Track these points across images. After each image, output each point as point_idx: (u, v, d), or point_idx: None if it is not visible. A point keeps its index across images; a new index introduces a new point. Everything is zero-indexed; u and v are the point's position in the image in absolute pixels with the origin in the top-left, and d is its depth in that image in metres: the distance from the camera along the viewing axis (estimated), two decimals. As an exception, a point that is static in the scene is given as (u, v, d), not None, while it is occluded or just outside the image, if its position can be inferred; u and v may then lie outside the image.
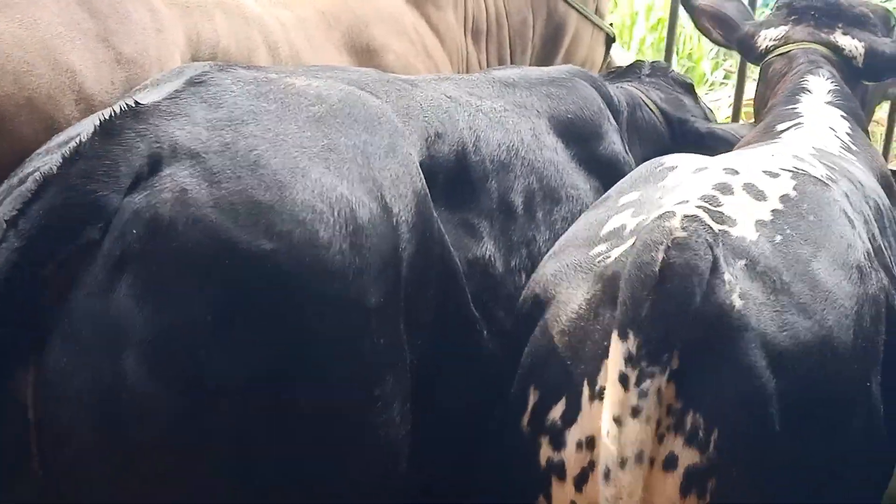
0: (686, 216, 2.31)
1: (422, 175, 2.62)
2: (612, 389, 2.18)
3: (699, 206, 2.43)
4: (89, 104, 2.82)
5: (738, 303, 2.26)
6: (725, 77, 9.89)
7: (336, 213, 2.29)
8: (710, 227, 2.34)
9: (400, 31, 4.07)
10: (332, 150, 2.41)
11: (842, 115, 3.66)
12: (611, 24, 5.10)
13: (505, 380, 2.54)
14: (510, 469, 2.46)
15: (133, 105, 2.29)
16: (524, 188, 3.05)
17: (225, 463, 2.20)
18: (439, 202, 2.74)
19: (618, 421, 2.17)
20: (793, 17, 4.08)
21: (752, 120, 4.40)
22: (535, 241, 3.00)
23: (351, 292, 2.28)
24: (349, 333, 2.29)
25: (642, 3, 10.29)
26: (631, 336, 2.17)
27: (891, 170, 3.94)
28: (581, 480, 2.29)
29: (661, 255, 2.20)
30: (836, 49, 3.96)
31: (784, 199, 2.56)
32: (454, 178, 2.85)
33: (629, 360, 2.16)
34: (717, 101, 8.93)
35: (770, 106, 3.88)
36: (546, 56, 4.75)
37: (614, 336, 2.20)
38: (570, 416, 2.32)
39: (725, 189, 2.54)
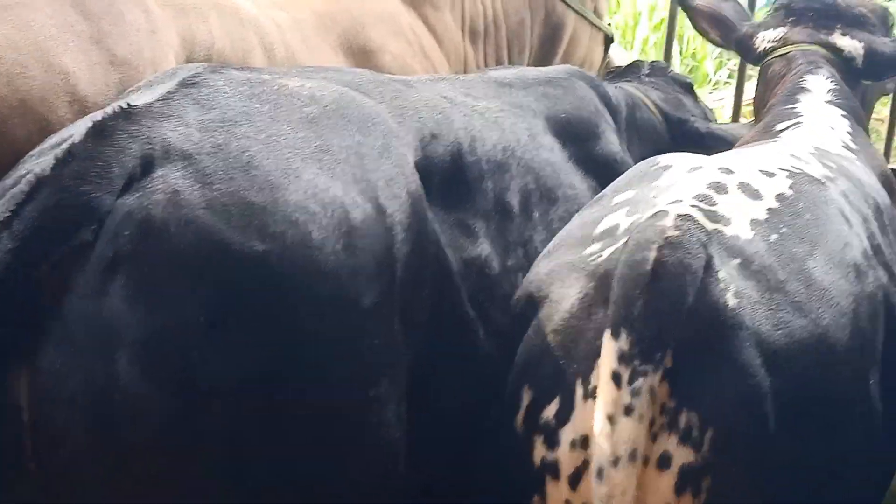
0: (679, 215, 2.31)
1: (416, 176, 2.62)
2: (605, 388, 2.17)
3: (693, 206, 2.42)
4: (83, 106, 2.82)
5: (732, 301, 2.26)
6: (729, 76, 9.88)
7: (329, 214, 2.29)
8: (704, 226, 2.34)
9: (397, 32, 4.07)
10: (325, 151, 2.41)
11: (842, 115, 3.65)
12: (609, 24, 5.09)
13: (501, 380, 2.54)
14: (505, 469, 2.45)
15: (125, 106, 2.29)
16: (520, 188, 3.05)
17: (218, 464, 2.19)
18: (435, 203, 2.74)
19: (611, 419, 2.16)
20: (791, 19, 4.07)
21: (752, 120, 4.39)
22: (531, 241, 3.00)
23: (344, 293, 2.28)
24: (343, 335, 2.29)
25: (645, 3, 10.29)
26: (623, 335, 2.17)
27: (892, 168, 3.93)
28: (575, 479, 2.28)
29: (653, 254, 2.20)
30: (835, 50, 3.95)
31: (780, 197, 2.56)
32: (450, 178, 2.84)
33: (622, 358, 2.16)
34: (721, 100, 8.92)
35: (769, 106, 3.87)
36: (544, 56, 4.74)
37: (607, 335, 2.19)
38: (564, 416, 2.31)
39: (720, 188, 2.53)
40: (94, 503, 2.17)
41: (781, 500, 2.26)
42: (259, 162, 2.28)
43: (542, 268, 2.58)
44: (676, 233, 2.24)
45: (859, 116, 3.80)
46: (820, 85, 3.81)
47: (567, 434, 2.30)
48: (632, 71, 4.59)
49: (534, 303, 2.50)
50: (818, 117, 3.60)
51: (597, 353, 2.23)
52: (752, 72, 4.68)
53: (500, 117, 3.15)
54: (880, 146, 5.48)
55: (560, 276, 2.47)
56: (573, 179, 3.26)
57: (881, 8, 4.12)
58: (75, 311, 2.12)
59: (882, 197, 3.10)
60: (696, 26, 4.40)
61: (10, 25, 2.78)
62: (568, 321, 2.38)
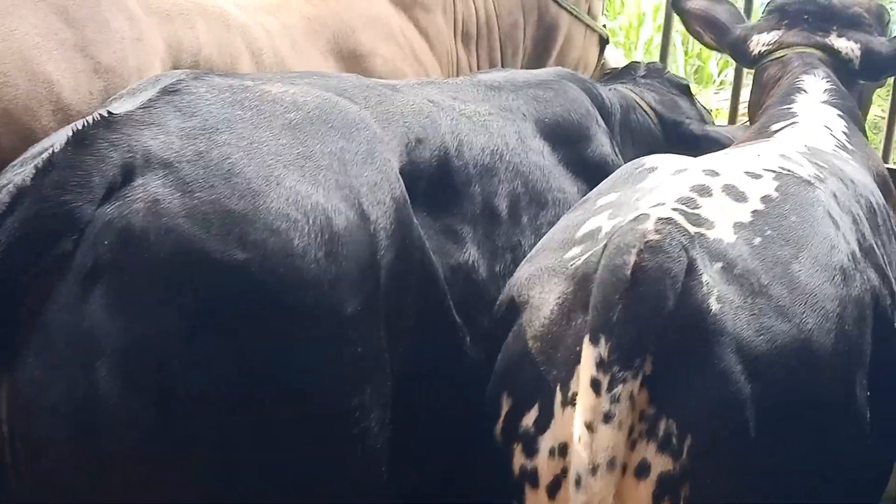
0: (660, 219, 2.29)
1: (401, 181, 2.61)
2: (584, 395, 2.16)
3: (675, 209, 2.40)
4: (67, 114, 2.81)
5: (714, 306, 2.23)
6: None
7: (311, 222, 2.28)
8: (686, 230, 2.31)
9: (387, 35, 4.05)
10: (307, 157, 2.40)
11: (838, 114, 3.64)
12: (605, 26, 5.07)
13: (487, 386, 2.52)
14: (485, 477, 2.44)
15: (106, 115, 2.28)
16: (509, 192, 3.03)
17: (200, 473, 2.19)
18: (421, 208, 2.72)
19: (589, 427, 2.14)
20: (785, 21, 4.04)
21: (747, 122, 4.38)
22: (520, 245, 2.98)
23: (327, 301, 2.27)
24: (325, 342, 2.28)
25: (649, 4, 10.28)
26: (602, 341, 2.15)
27: (888, 168, 3.92)
28: (554, 488, 2.26)
29: (633, 259, 2.18)
30: (831, 52, 3.93)
31: (765, 199, 2.54)
32: (436, 183, 2.83)
33: (600, 365, 2.14)
34: (726, 100, 8.89)
35: (765, 107, 3.85)
36: (538, 58, 4.72)
37: (586, 341, 2.17)
38: (543, 423, 2.29)
39: (704, 191, 2.51)
40: (78, 512, 2.16)
41: (762, 508, 2.25)
42: (240, 169, 2.27)
43: (523, 272, 2.56)
44: (657, 237, 2.22)
45: (856, 116, 3.79)
46: (816, 85, 3.79)
47: (546, 442, 2.29)
48: (627, 72, 4.56)
49: (514, 308, 2.49)
50: (814, 117, 3.59)
51: (576, 360, 2.21)
52: (751, 73, 4.66)
53: (489, 121, 3.14)
54: (879, 146, 5.46)
55: (540, 281, 2.45)
56: (563, 183, 3.25)
57: (877, 6, 4.09)
58: (56, 320, 2.12)
59: (876, 196, 3.08)
60: (689, 29, 4.38)
61: (-8, 34, 2.78)
62: (547, 327, 2.36)
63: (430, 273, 2.64)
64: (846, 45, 3.92)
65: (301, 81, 2.73)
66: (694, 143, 4.05)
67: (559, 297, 2.37)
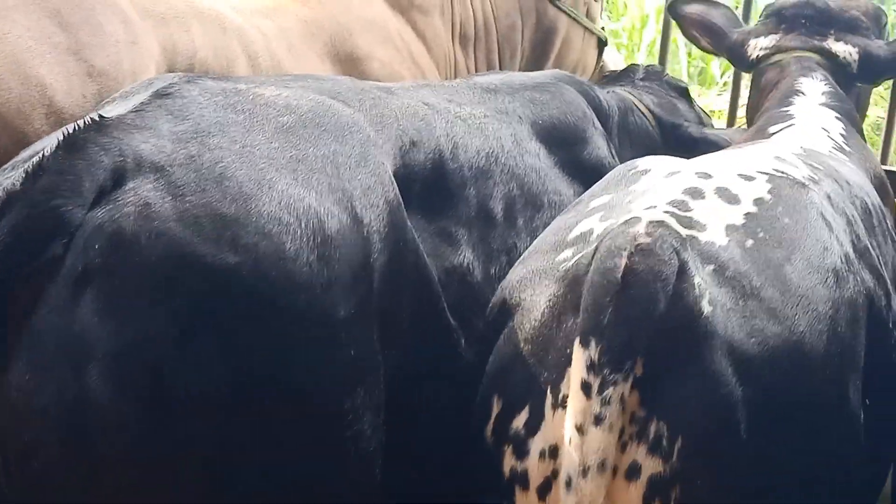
0: (652, 222, 2.28)
1: (395, 184, 2.60)
2: (575, 398, 2.15)
3: (667, 212, 2.40)
4: (60, 118, 2.81)
5: (705, 309, 2.23)
6: (739, 79, 9.87)
7: (303, 225, 2.27)
8: (677, 233, 2.31)
9: (385, 38, 4.05)
10: (300, 160, 2.40)
11: (836, 117, 3.64)
12: (603, 28, 5.06)
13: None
14: (476, 479, 2.43)
15: (97, 118, 2.28)
16: (504, 195, 3.03)
17: (190, 477, 2.18)
18: (415, 211, 2.72)
19: (580, 429, 2.14)
20: (783, 25, 4.04)
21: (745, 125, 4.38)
22: (515, 248, 2.98)
23: (319, 305, 2.26)
24: (317, 346, 2.27)
25: (652, 5, 10.26)
26: (593, 343, 2.14)
27: (886, 170, 3.92)
28: (544, 490, 2.25)
29: (623, 262, 2.17)
30: (829, 56, 3.93)
31: (758, 202, 2.53)
32: (431, 186, 2.83)
33: (591, 367, 2.13)
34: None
35: (763, 110, 3.86)
36: (536, 61, 4.71)
37: (576, 343, 2.17)
38: (534, 425, 2.29)
39: (696, 193, 2.50)
40: (67, 517, 2.16)
41: (752, 511, 2.25)
42: (232, 173, 2.27)
43: (515, 274, 2.56)
44: (648, 240, 2.21)
45: (854, 119, 3.80)
46: (814, 87, 3.79)
47: (537, 444, 2.28)
48: (626, 75, 4.56)
49: (506, 310, 2.48)
50: (811, 119, 3.60)
51: (567, 362, 2.21)
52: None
53: (484, 123, 3.13)
54: (878, 147, 5.45)
55: (532, 283, 2.45)
56: (559, 185, 3.24)
57: (874, 8, 4.09)
58: (46, 324, 2.12)
59: (871, 197, 3.08)
60: (686, 34, 4.39)
61: (-15, 38, 2.78)
62: (538, 329, 2.35)
63: (425, 276, 2.64)
64: (844, 49, 3.93)
65: (294, 84, 2.73)
66: (692, 145, 4.04)
67: (550, 300, 2.37)
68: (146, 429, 2.13)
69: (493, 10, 4.53)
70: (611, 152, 3.59)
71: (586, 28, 4.86)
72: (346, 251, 2.33)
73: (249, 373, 2.19)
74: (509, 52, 4.60)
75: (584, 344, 2.15)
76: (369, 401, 2.37)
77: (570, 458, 2.15)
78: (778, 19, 4.06)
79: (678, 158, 2.86)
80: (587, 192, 2.86)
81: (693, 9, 4.29)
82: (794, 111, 3.67)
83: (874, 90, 4.55)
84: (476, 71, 4.46)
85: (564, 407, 2.20)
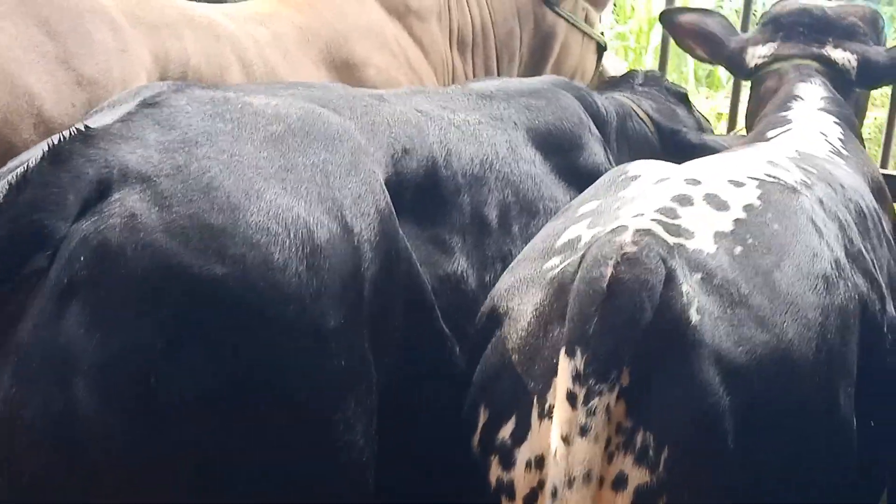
0: (638, 230, 2.26)
1: (386, 193, 2.58)
2: (560, 408, 2.13)
3: (654, 220, 2.38)
4: (49, 127, 2.80)
5: (693, 317, 2.21)
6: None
7: (292, 235, 2.25)
8: (665, 241, 2.29)
9: (381, 44, 4.03)
10: (289, 170, 2.38)
11: (834, 121, 3.64)
12: (602, 33, 5.04)
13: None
14: (462, 489, 2.42)
15: (83, 129, 2.26)
16: (499, 202, 3.01)
17: (179, 488, 2.16)
18: (408, 219, 2.70)
19: (566, 440, 2.12)
20: (781, 34, 4.04)
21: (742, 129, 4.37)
22: (510, 255, 2.95)
23: (308, 315, 2.24)
24: (307, 357, 2.25)
25: (659, 8, 10.24)
26: (578, 353, 2.12)
27: (885, 174, 3.91)
28: (531, 501, 2.24)
29: (609, 271, 2.15)
30: (828, 63, 3.94)
31: (748, 208, 2.51)
32: (424, 193, 2.81)
33: (577, 377, 2.12)
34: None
35: (762, 115, 3.85)
36: (535, 66, 4.70)
37: (562, 353, 2.15)
38: (520, 435, 2.27)
39: (685, 200, 2.49)
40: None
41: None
42: (220, 183, 2.24)
43: (504, 282, 2.54)
44: (634, 248, 2.20)
45: (852, 124, 3.80)
46: (813, 93, 3.80)
47: (523, 454, 2.26)
48: (625, 81, 4.55)
49: (494, 319, 2.47)
50: (809, 123, 3.59)
51: (554, 372, 2.19)
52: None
53: (479, 130, 3.11)
54: (878, 151, 5.44)
55: (519, 292, 2.43)
56: (555, 192, 3.23)
57: (871, 12, 4.08)
58: (32, 337, 2.10)
59: (867, 201, 3.06)
60: (680, 43, 4.39)
61: (-28, 47, 2.76)
62: (525, 338, 2.34)
63: (417, 284, 2.62)
64: (843, 56, 3.92)
65: (284, 93, 2.71)
66: (691, 151, 4.02)
67: (537, 309, 2.35)
68: (133, 441, 2.11)
69: (490, 16, 4.52)
70: (608, 158, 3.57)
71: (585, 33, 4.85)
72: (336, 261, 2.31)
73: (238, 384, 2.17)
74: (507, 57, 4.59)
75: (570, 354, 2.13)
76: (361, 411, 2.35)
77: (555, 469, 2.14)
78: (775, 27, 4.06)
79: (668, 163, 2.84)
80: (577, 197, 2.84)
81: (687, 18, 4.28)
82: (793, 116, 3.67)
83: (873, 92, 4.53)
84: (474, 76, 4.45)
85: (551, 417, 2.19)
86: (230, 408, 2.16)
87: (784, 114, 3.71)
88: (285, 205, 2.28)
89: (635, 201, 2.52)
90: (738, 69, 4.19)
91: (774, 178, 2.70)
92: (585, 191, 2.86)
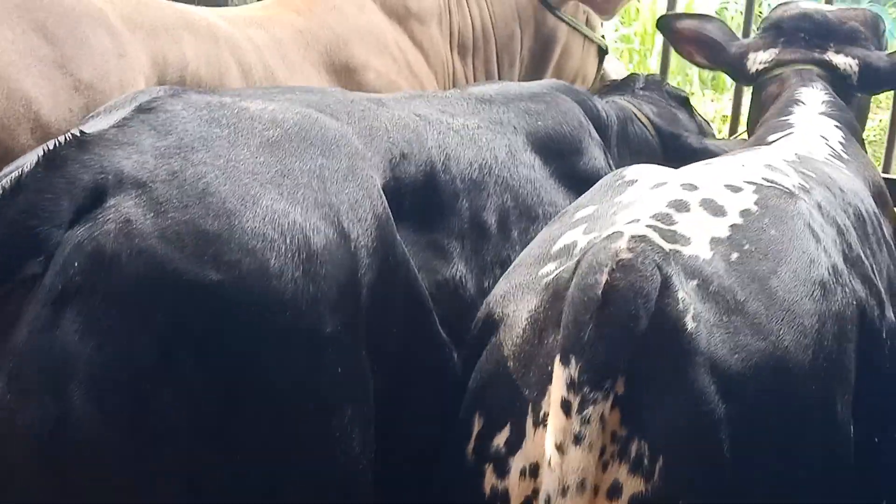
0: (634, 237, 2.25)
1: (383, 198, 2.57)
2: (555, 416, 2.12)
3: (650, 226, 2.37)
4: (46, 132, 2.79)
5: (689, 325, 2.20)
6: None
7: (288, 241, 2.24)
8: (660, 247, 2.28)
9: (381, 48, 4.02)
10: (285, 175, 2.36)
11: (835, 125, 3.63)
12: (603, 37, 5.03)
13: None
14: (456, 497, 2.41)
15: (78, 135, 2.25)
16: (498, 207, 3.00)
17: (173, 497, 2.15)
18: (406, 224, 2.69)
19: (560, 448, 2.11)
20: (782, 39, 4.04)
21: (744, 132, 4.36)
22: (509, 260, 2.94)
23: (304, 322, 2.23)
24: (303, 364, 2.24)
25: (664, 10, 10.23)
26: (573, 361, 2.11)
27: (886, 178, 3.90)
28: None
29: (604, 278, 2.14)
30: (830, 68, 3.93)
31: (744, 213, 2.50)
32: (422, 198, 2.80)
33: (571, 385, 2.10)
34: (746, 105, 8.88)
35: (763, 120, 3.84)
36: (536, 70, 4.68)
37: (557, 361, 2.14)
38: (515, 443, 2.26)
39: (681, 206, 2.47)
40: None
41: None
42: (215, 188, 2.23)
43: (500, 288, 2.53)
44: (629, 255, 2.18)
45: (854, 128, 3.79)
46: (814, 97, 3.79)
47: (517, 462, 2.25)
48: (626, 84, 4.54)
49: (489, 325, 2.46)
50: (810, 127, 3.58)
51: (548, 379, 2.18)
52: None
53: (478, 134, 3.10)
54: (881, 155, 5.43)
55: (515, 298, 2.42)
56: (554, 196, 3.21)
57: (872, 16, 4.08)
58: (25, 344, 2.09)
59: (866, 205, 3.05)
60: (678, 49, 4.37)
61: (-32, 52, 2.76)
62: (520, 346, 2.33)
63: (415, 290, 2.61)
64: (844, 61, 3.92)
65: (282, 97, 2.70)
66: (692, 156, 4.00)
67: (532, 315, 2.34)
68: (128, 448, 2.10)
69: (491, 19, 4.50)
70: (608, 163, 3.56)
71: (586, 36, 4.83)
72: (333, 267, 2.30)
73: (233, 392, 2.16)
74: (508, 60, 4.57)
75: (564, 362, 2.12)
76: (358, 418, 2.34)
77: (549, 478, 2.13)
78: (777, 32, 4.05)
79: (666, 168, 2.83)
80: (574, 202, 2.83)
81: (686, 24, 4.28)
82: (794, 120, 3.66)
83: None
84: (475, 80, 4.44)
85: (545, 425, 2.18)
86: (225, 415, 2.15)
87: (785, 118, 3.70)
88: (281, 210, 2.27)
89: (631, 206, 2.51)
90: (740, 75, 4.19)
91: (772, 182, 2.69)
92: (582, 195, 2.84)
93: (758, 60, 4.04)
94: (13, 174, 2.17)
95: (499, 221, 2.99)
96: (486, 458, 2.31)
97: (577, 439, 2.10)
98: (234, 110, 2.48)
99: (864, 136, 4.11)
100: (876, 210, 3.13)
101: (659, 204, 2.49)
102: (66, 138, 2.24)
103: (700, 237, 2.39)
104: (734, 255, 2.37)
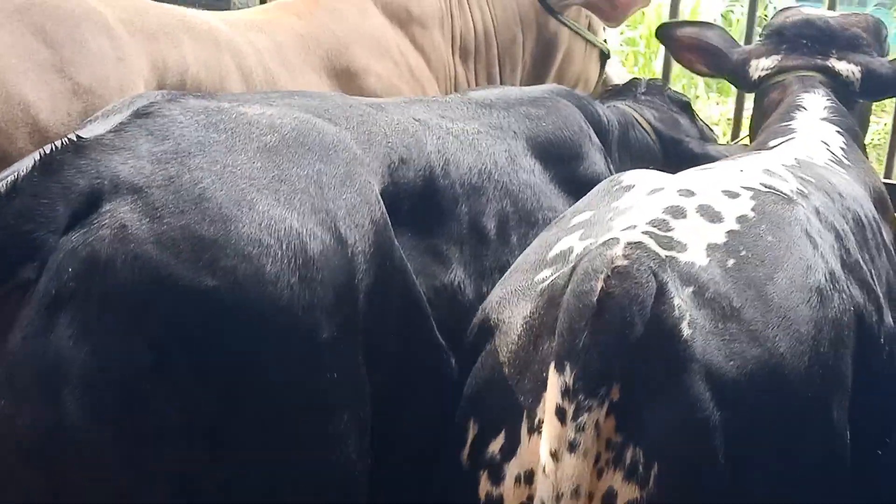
0: (629, 243, 2.24)
1: (381, 203, 2.56)
2: (549, 423, 2.12)
3: (646, 232, 2.36)
4: (44, 136, 2.78)
5: (685, 332, 2.19)
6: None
7: (284, 247, 2.24)
8: (656, 254, 2.27)
9: (383, 52, 4.01)
10: (282, 180, 2.36)
11: (837, 131, 3.63)
12: (605, 41, 5.02)
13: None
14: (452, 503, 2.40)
15: (75, 139, 2.25)
16: (497, 212, 2.99)
17: (166, 502, 2.15)
18: (404, 229, 2.68)
19: (554, 456, 2.10)
20: (784, 46, 4.04)
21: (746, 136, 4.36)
22: (508, 265, 2.92)
23: (300, 328, 2.23)
24: (298, 370, 2.24)
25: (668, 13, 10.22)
26: (568, 368, 2.10)
27: (887, 183, 3.90)
28: None
29: (599, 285, 2.13)
30: (832, 74, 3.94)
31: (741, 219, 2.49)
32: (420, 204, 2.79)
33: (566, 393, 2.10)
34: (747, 109, 8.89)
35: (766, 125, 3.84)
36: (538, 74, 4.68)
37: (551, 368, 2.13)
38: (509, 450, 2.26)
39: (677, 212, 2.47)
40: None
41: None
42: (212, 194, 2.23)
43: (495, 294, 2.53)
44: (625, 262, 2.18)
45: (855, 134, 3.80)
46: (816, 103, 3.79)
47: (512, 469, 2.25)
48: (628, 89, 4.52)
49: (485, 331, 2.45)
50: (812, 133, 3.57)
51: (543, 386, 2.17)
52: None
53: (477, 139, 3.09)
54: (883, 160, 5.43)
55: (510, 304, 2.42)
56: (554, 202, 3.20)
57: (873, 22, 4.08)
58: (19, 349, 2.09)
59: (866, 210, 3.05)
60: (678, 57, 4.38)
61: (-35, 56, 2.75)
62: (515, 352, 2.33)
63: (412, 296, 2.60)
64: (846, 68, 3.92)
65: (280, 102, 2.69)
66: (693, 161, 3.99)
67: (527, 322, 2.34)
68: (122, 454, 2.10)
69: (493, 23, 4.50)
70: (608, 168, 3.55)
71: (588, 41, 4.83)
72: (329, 273, 2.30)
73: (228, 398, 2.15)
74: (510, 65, 4.57)
75: (559, 369, 2.12)
76: (354, 424, 2.34)
77: (544, 485, 2.12)
78: (779, 39, 4.05)
79: (663, 173, 2.82)
80: (571, 207, 2.83)
81: (686, 31, 4.27)
82: (796, 125, 3.66)
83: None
84: (476, 84, 4.43)
85: (540, 432, 2.17)
86: (220, 421, 2.15)
87: (787, 123, 3.70)
88: (278, 216, 2.27)
89: (628, 212, 2.50)
90: (742, 82, 4.19)
91: (770, 187, 2.69)
92: (579, 201, 2.84)
93: (760, 67, 4.04)
94: (9, 178, 2.16)
95: (498, 227, 2.98)
96: (481, 465, 2.30)
97: (572, 447, 2.10)
98: (232, 115, 2.48)
99: (867, 140, 4.11)
100: (876, 215, 3.13)
101: (655, 210, 2.48)
102: (62, 143, 2.23)
103: (696, 243, 2.38)
104: (730, 262, 2.37)
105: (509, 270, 2.66)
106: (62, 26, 2.96)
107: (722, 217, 2.49)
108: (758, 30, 5.02)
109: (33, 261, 2.09)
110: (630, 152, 3.91)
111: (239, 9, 4.04)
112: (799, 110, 3.76)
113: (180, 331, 2.12)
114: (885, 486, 2.66)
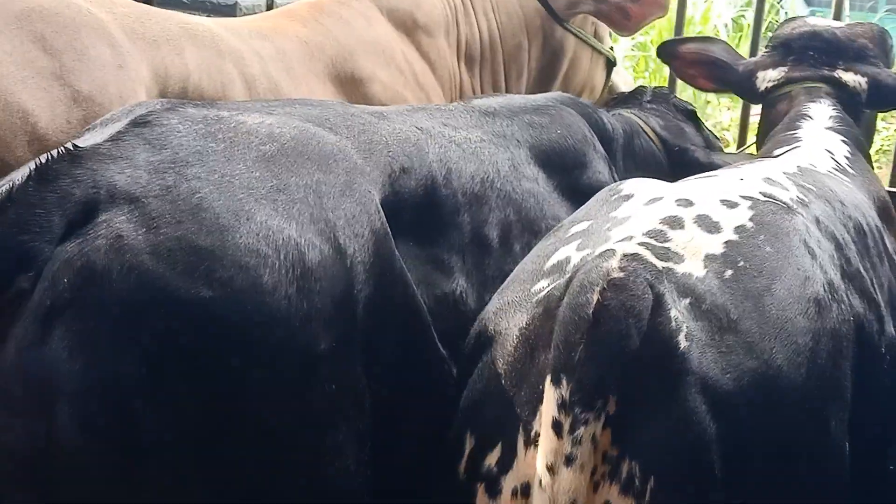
0: (626, 255, 2.22)
1: (382, 213, 2.55)
2: (546, 437, 2.10)
3: (643, 243, 2.34)
4: (43, 145, 2.77)
5: (682, 344, 2.17)
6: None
7: (282, 257, 2.22)
8: (653, 266, 2.25)
9: (388, 59, 4.00)
10: (281, 190, 2.34)
11: (842, 140, 3.62)
12: (612, 48, 5.00)
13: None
14: None
15: (71, 149, 2.23)
16: (500, 221, 2.97)
17: None
18: (405, 239, 2.67)
19: (551, 469, 2.09)
20: (791, 58, 4.03)
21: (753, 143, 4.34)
22: (511, 274, 2.92)
23: (297, 339, 2.22)
24: (295, 382, 2.23)
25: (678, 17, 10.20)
26: (564, 381, 2.08)
27: (890, 191, 3.89)
28: None
29: (595, 297, 2.12)
30: (839, 85, 3.93)
31: (739, 230, 2.47)
32: (422, 213, 2.77)
33: (562, 406, 2.08)
34: (756, 115, 8.87)
35: (772, 135, 3.83)
36: (543, 82, 4.65)
37: (547, 381, 2.11)
38: (506, 463, 2.24)
39: (675, 223, 2.45)
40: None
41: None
42: (209, 204, 2.22)
43: (492, 305, 2.51)
44: (621, 274, 2.16)
45: (860, 144, 3.79)
46: (822, 112, 3.78)
47: (509, 482, 2.23)
48: (633, 97, 4.51)
49: (481, 343, 2.43)
50: (817, 141, 3.56)
51: (539, 399, 2.15)
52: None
53: (480, 148, 3.07)
54: (888, 169, 5.42)
55: (507, 315, 2.40)
56: (558, 210, 3.19)
57: (879, 31, 4.07)
58: (13, 362, 2.08)
59: (868, 218, 3.03)
60: (681, 74, 4.37)
61: (-37, 64, 2.74)
62: (511, 364, 2.31)
63: (413, 306, 2.58)
64: (853, 79, 3.91)
65: (280, 111, 2.68)
66: (698, 170, 3.97)
67: (523, 333, 2.32)
68: (117, 469, 2.09)
69: (499, 31, 4.48)
70: (612, 176, 3.53)
71: (594, 48, 4.80)
72: (328, 283, 2.28)
73: (225, 410, 2.14)
74: (516, 72, 4.55)
75: (556, 382, 2.10)
76: (353, 436, 2.33)
77: (540, 499, 2.11)
78: (786, 51, 4.04)
79: (662, 182, 2.80)
80: (570, 216, 2.81)
81: (690, 47, 4.28)
82: (801, 134, 3.65)
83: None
84: (482, 92, 4.41)
85: (537, 445, 2.15)
86: (216, 433, 2.14)
87: (793, 132, 3.69)
88: (276, 226, 2.26)
89: (625, 223, 2.49)
90: (748, 93, 4.18)
91: (769, 196, 2.67)
92: (578, 209, 2.82)
93: (767, 79, 4.03)
94: (4, 188, 2.16)
95: (501, 236, 2.96)
96: (478, 478, 2.29)
97: (569, 460, 2.08)
98: (231, 124, 2.46)
99: (875, 146, 4.10)
100: (878, 223, 3.11)
101: (653, 220, 2.46)
102: (58, 152, 2.22)
103: (694, 254, 2.36)
104: (728, 273, 2.35)
105: (507, 280, 2.64)
106: (62, 34, 2.94)
107: (720, 227, 2.47)
108: (767, 35, 5.01)
109: (28, 271, 2.09)
110: (635, 160, 3.90)
111: (245, 15, 4.01)
112: (805, 119, 3.75)
113: (176, 342, 2.11)
114: (885, 499, 2.64)
